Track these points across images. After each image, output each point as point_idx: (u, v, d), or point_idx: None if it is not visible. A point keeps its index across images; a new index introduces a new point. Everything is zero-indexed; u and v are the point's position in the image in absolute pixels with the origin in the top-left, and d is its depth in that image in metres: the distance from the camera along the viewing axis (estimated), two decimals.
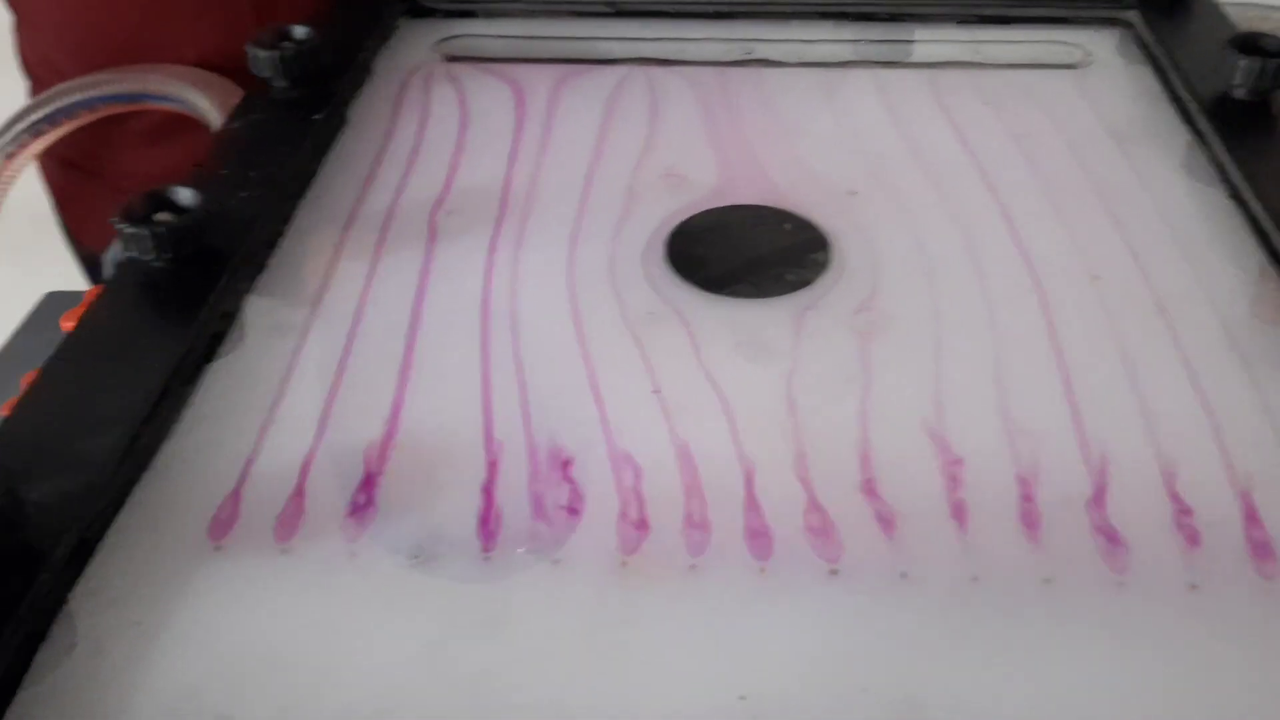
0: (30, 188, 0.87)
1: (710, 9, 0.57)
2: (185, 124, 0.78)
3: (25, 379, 0.35)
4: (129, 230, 0.38)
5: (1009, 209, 0.44)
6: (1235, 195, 0.44)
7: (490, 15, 0.58)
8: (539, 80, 0.53)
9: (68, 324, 0.40)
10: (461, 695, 0.27)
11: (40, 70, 0.87)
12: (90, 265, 1.02)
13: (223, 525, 0.31)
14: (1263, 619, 0.29)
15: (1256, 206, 0.42)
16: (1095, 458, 0.33)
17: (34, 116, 0.78)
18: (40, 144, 0.80)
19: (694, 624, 0.29)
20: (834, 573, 0.30)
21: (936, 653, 0.28)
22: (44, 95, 0.78)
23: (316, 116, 0.47)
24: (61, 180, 0.94)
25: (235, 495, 0.32)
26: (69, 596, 0.29)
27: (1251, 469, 0.33)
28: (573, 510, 0.32)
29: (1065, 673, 0.27)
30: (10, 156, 0.80)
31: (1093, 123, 0.49)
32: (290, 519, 0.31)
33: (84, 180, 0.93)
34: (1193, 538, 0.31)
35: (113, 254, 0.44)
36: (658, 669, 0.28)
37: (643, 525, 0.31)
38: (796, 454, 0.33)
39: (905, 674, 0.27)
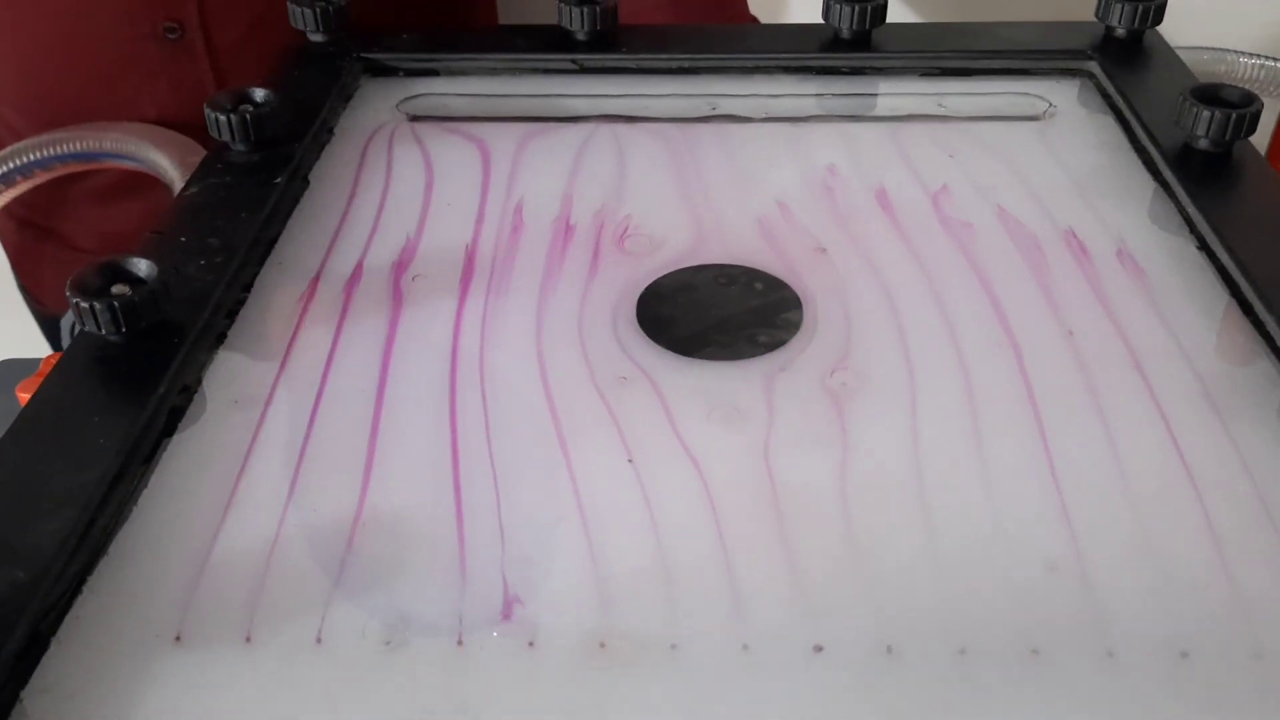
0: None
1: (674, 65, 0.57)
2: (143, 182, 0.77)
3: None
4: (83, 304, 0.36)
5: (977, 262, 0.43)
6: (1203, 245, 0.44)
7: (453, 74, 0.57)
8: (504, 138, 0.52)
9: (24, 394, 0.38)
10: None
11: None
12: (48, 326, 1.01)
13: (182, 615, 0.30)
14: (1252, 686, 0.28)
15: (1224, 256, 0.42)
16: (1074, 518, 0.33)
17: None
18: None
19: (673, 706, 0.28)
20: (818, 649, 0.29)
21: None
22: (0, 154, 0.77)
23: (277, 180, 0.47)
24: (18, 239, 0.93)
25: (195, 582, 0.31)
26: (22, 695, 0.28)
27: (1226, 523, 0.32)
28: (544, 591, 0.31)
29: None
30: None
31: (1057, 174, 0.49)
32: (253, 606, 0.30)
33: (41, 239, 0.92)
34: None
35: (69, 321, 0.43)
36: None
37: (618, 603, 0.30)
38: (776, 522, 0.32)
39: None
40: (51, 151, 0.76)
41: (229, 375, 0.38)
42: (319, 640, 0.29)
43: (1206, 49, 0.92)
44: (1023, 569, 0.31)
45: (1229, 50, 0.99)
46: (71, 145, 0.77)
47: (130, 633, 0.29)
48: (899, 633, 0.29)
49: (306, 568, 0.31)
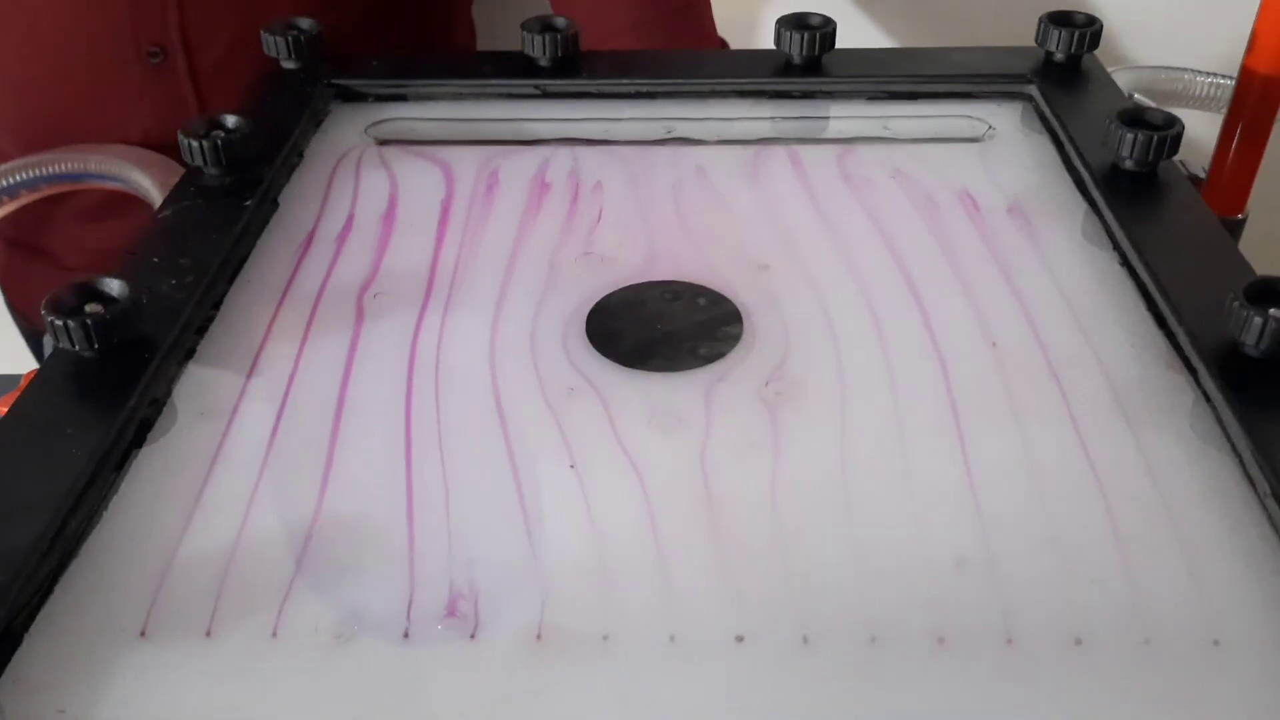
0: None
1: (633, 89, 0.59)
2: (127, 202, 0.79)
3: None
4: (57, 322, 0.39)
5: (912, 278, 0.46)
6: (1125, 262, 0.46)
7: (420, 99, 0.60)
8: (467, 161, 0.54)
9: (4, 408, 0.40)
10: None
11: None
12: (35, 342, 1.03)
13: (148, 611, 0.32)
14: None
15: (1143, 273, 0.45)
16: (986, 517, 0.35)
17: None
18: None
19: (605, 693, 0.30)
20: (739, 639, 0.31)
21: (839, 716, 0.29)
22: None
23: (247, 202, 0.49)
24: (7, 258, 0.95)
25: (160, 582, 0.33)
26: None
27: (1131, 526, 0.34)
28: (487, 588, 0.33)
29: None
30: None
31: (994, 193, 0.52)
32: (214, 603, 0.32)
33: (28, 258, 0.94)
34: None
35: (47, 342, 0.45)
36: None
37: (556, 599, 0.32)
38: (708, 523, 0.35)
39: None
40: (38, 173, 0.78)
41: (197, 388, 0.40)
42: (274, 634, 0.32)
43: (1163, 68, 0.95)
44: (934, 564, 0.33)
45: (1184, 69, 1.02)
46: (58, 166, 0.79)
47: (98, 629, 0.32)
48: (816, 623, 0.32)
49: (265, 568, 0.33)
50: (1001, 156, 0.55)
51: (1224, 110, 0.79)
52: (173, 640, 0.31)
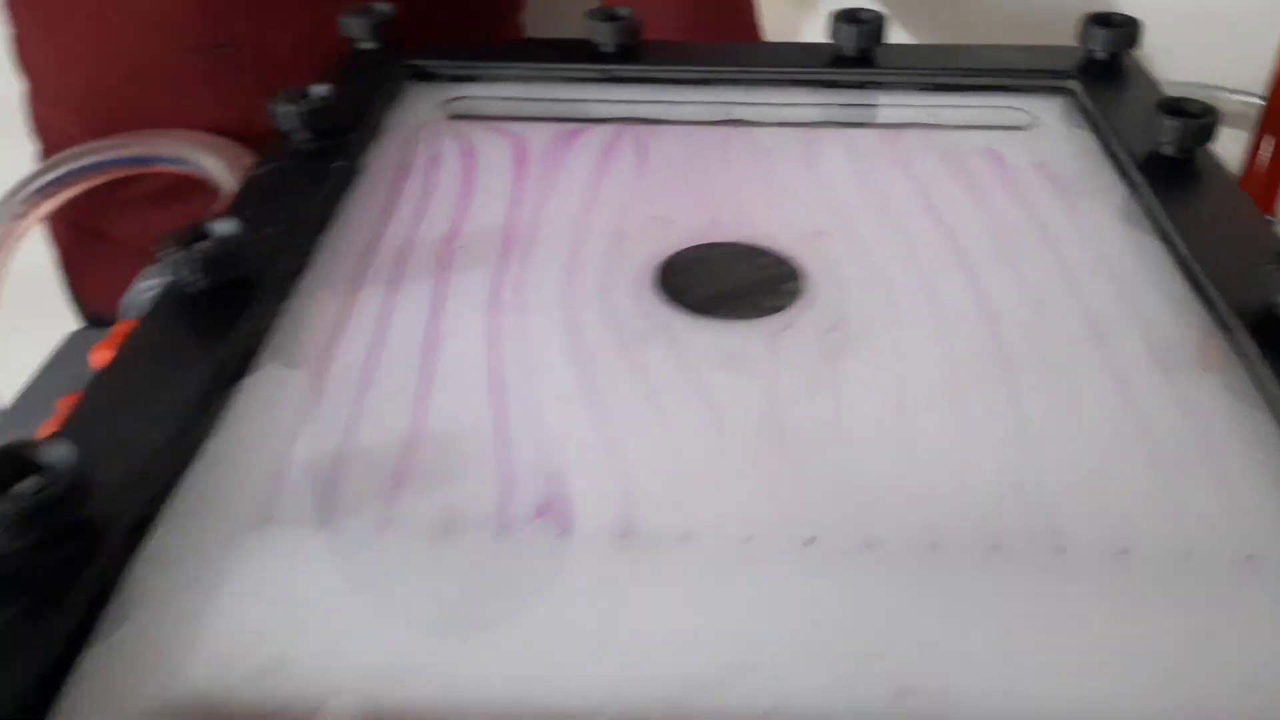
0: (33, 250, 0.90)
1: (693, 76, 0.63)
2: (193, 187, 0.83)
3: (62, 402, 0.39)
4: (175, 255, 0.42)
5: (961, 247, 0.49)
6: (1165, 237, 0.49)
7: (490, 79, 0.63)
8: (537, 136, 0.58)
9: (99, 355, 0.43)
10: (479, 636, 0.31)
11: (51, 134, 0.91)
12: (94, 326, 1.06)
13: (268, 504, 0.35)
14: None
15: (1182, 246, 0.47)
16: (1036, 448, 0.38)
17: (44, 179, 0.82)
18: (49, 205, 0.84)
19: (683, 585, 0.33)
20: (810, 540, 0.34)
21: (901, 611, 0.32)
22: (54, 158, 0.82)
23: (335, 164, 0.52)
24: (69, 241, 0.98)
25: (277, 483, 0.36)
26: (131, 561, 0.33)
27: (1171, 458, 0.37)
28: (574, 494, 0.36)
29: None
30: (19, 217, 0.84)
31: (1038, 176, 0.54)
32: (324, 500, 0.35)
33: (92, 242, 0.98)
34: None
35: (134, 293, 0.48)
36: (654, 620, 0.32)
37: (638, 504, 0.35)
38: (778, 443, 0.37)
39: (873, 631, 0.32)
40: (106, 156, 0.82)
41: (299, 322, 0.44)
42: (381, 527, 0.34)
43: (1195, 84, 0.98)
44: (989, 486, 0.36)
45: (1216, 87, 1.05)
46: (125, 150, 0.82)
47: (223, 517, 0.35)
48: (880, 529, 0.34)
49: (370, 472, 0.36)
50: (1045, 143, 0.58)
51: (1253, 128, 0.82)
52: (290, 528, 0.34)
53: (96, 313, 1.00)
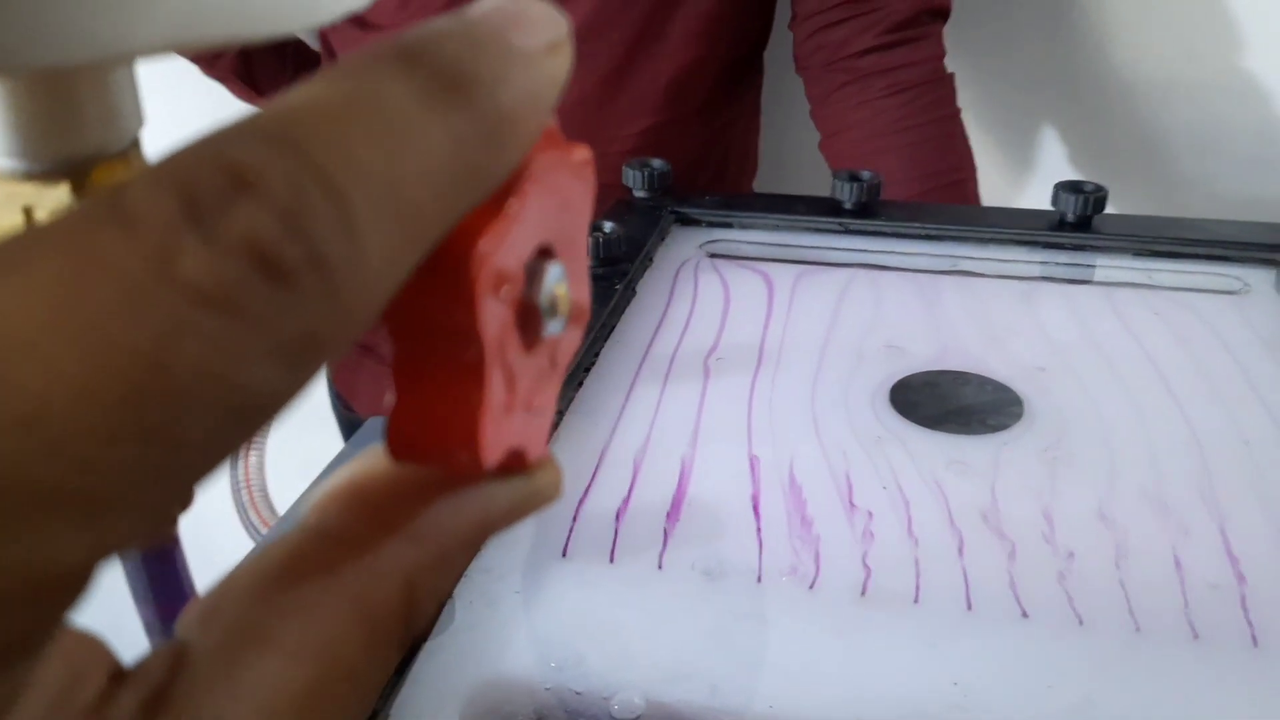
0: None
1: (923, 232, 0.71)
2: None
3: None
4: None
5: (1172, 389, 0.54)
6: None
7: (744, 226, 0.73)
8: (784, 274, 0.66)
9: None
10: (736, 656, 0.38)
11: None
12: (350, 428, 1.20)
13: (566, 538, 0.43)
14: None
15: None
16: (1239, 561, 0.42)
17: None
18: None
19: (910, 642, 0.39)
20: (1025, 615, 0.39)
21: (1104, 679, 0.37)
22: None
23: (618, 286, 0.62)
24: None
25: (575, 523, 0.44)
26: (470, 571, 0.41)
27: None
28: (823, 558, 0.42)
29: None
30: None
31: (1248, 334, 0.59)
32: (613, 541, 0.43)
33: (361, 354, 1.12)
34: None
35: (376, 423, 0.58)
36: (885, 662, 0.38)
37: (877, 573, 0.42)
38: (994, 529, 0.43)
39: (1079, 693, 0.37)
40: None
41: (587, 406, 0.53)
42: (660, 567, 0.42)
43: None
44: (1192, 588, 0.41)
45: None
46: None
47: (532, 549, 0.43)
48: (1086, 609, 0.39)
49: (648, 524, 0.44)
50: (1255, 307, 0.62)
51: None
52: (586, 561, 0.42)
53: (356, 417, 1.14)
